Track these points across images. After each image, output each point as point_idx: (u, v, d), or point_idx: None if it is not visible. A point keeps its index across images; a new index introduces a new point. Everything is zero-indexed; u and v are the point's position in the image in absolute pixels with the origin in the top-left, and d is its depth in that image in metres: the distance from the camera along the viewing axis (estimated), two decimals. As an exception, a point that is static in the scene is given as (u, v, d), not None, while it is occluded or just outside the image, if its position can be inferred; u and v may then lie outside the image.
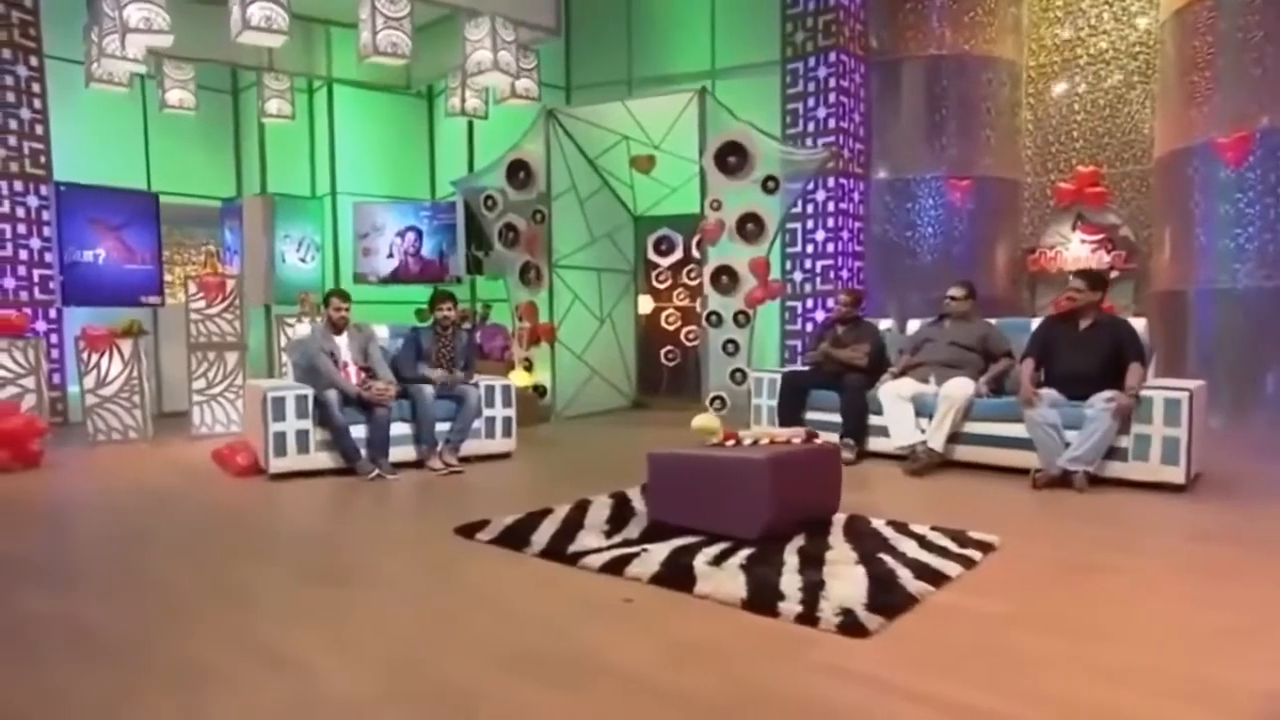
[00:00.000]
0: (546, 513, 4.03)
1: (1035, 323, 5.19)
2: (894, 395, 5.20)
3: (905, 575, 2.96)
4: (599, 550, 3.40)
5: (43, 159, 7.69)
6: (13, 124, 7.54)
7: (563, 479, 5.20)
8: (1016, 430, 4.80)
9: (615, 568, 3.18)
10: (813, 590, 2.83)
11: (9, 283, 7.48)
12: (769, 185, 6.83)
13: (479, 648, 2.46)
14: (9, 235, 7.49)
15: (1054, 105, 8.70)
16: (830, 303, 7.76)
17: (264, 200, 8.87)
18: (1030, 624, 2.59)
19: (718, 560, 3.22)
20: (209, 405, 7.05)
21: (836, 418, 5.50)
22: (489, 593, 3.01)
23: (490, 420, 5.75)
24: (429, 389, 5.44)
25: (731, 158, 6.91)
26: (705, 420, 3.67)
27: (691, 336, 8.58)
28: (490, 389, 5.78)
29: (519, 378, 7.66)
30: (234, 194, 9.41)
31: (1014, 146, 8.35)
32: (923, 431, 5.09)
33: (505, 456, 5.78)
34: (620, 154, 8.10)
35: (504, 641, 2.52)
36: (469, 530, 3.79)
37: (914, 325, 5.87)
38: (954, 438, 5.03)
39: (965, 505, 4.29)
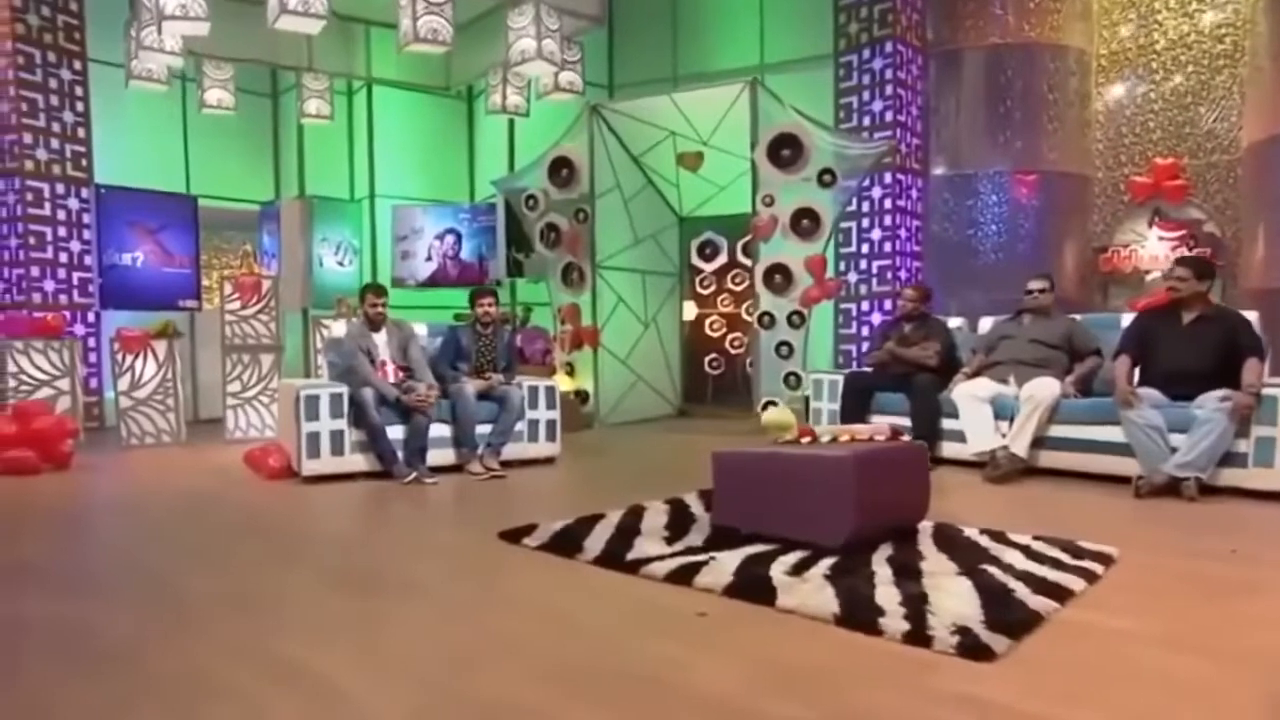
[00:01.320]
0: (598, 518, 3.69)
1: (1125, 318, 4.74)
2: (970, 397, 4.77)
3: (1021, 589, 2.55)
4: (661, 558, 3.03)
5: (84, 162, 7.64)
6: (56, 126, 7.48)
7: (611, 485, 4.89)
8: (1109, 434, 4.36)
9: (682, 577, 2.81)
10: (915, 605, 2.43)
11: (49, 285, 7.39)
12: (825, 179, 6.47)
13: (531, 665, 2.11)
14: (50, 238, 7.42)
15: (1128, 94, 8.20)
16: (888, 305, 7.35)
17: (302, 203, 8.72)
18: (1177, 646, 2.17)
19: (797, 570, 2.83)
20: (243, 409, 6.86)
21: (904, 422, 5.07)
22: (540, 603, 2.65)
23: (533, 423, 5.46)
24: (469, 389, 5.16)
25: (785, 151, 6.56)
26: (778, 415, 3.31)
27: (736, 344, 8.35)
28: (533, 390, 5.48)
29: (561, 383, 7.33)
30: (272, 197, 9.31)
31: (1083, 139, 7.87)
32: (1003, 436, 4.65)
33: (548, 462, 5.49)
34: (666, 151, 7.80)
35: (560, 658, 2.16)
36: (514, 535, 3.45)
37: (986, 323, 5.44)
38: (1038, 442, 4.59)
39: (1062, 515, 3.84)
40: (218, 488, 4.81)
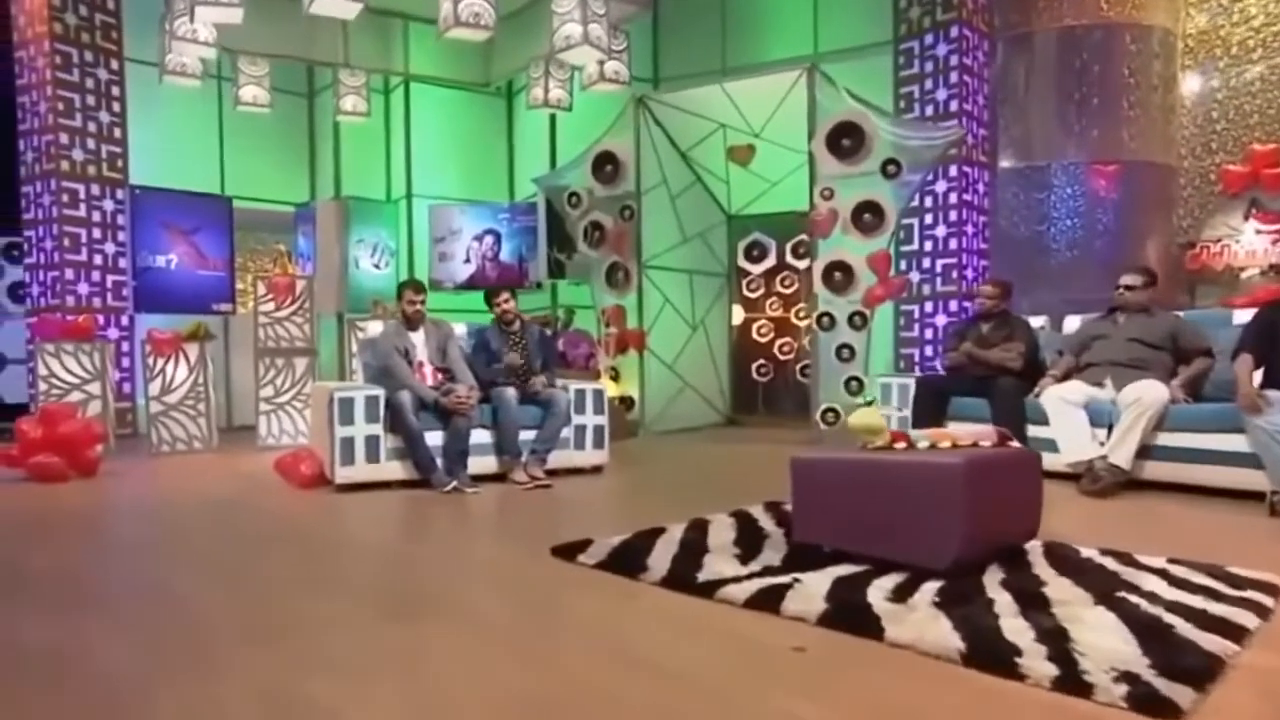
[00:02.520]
0: (659, 532, 3.36)
1: (1240, 315, 4.29)
2: (1062, 401, 4.34)
3: (1181, 625, 2.15)
4: (738, 579, 2.68)
5: (120, 163, 7.54)
6: (92, 127, 7.38)
7: (665, 496, 4.57)
8: (1230, 443, 3.90)
9: (766, 603, 2.45)
10: (1056, 642, 2.04)
11: (83, 288, 7.27)
12: (889, 170, 6.09)
13: (605, 709, 1.75)
14: (84, 240, 7.30)
15: (1219, 76, 7.65)
16: (953, 305, 6.94)
17: (338, 204, 8.56)
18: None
19: (899, 596, 2.46)
20: (276, 414, 6.65)
21: (981, 427, 4.64)
22: (611, 635, 2.31)
23: (579, 429, 5.16)
24: (511, 392, 4.88)
25: (845, 141, 6.22)
26: (867, 417, 2.91)
27: (785, 349, 8.08)
28: (580, 394, 5.18)
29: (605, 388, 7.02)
30: (308, 198, 9.17)
31: (1168, 126, 7.37)
32: (1101, 444, 4.21)
33: (596, 471, 5.20)
34: (716, 145, 7.51)
35: (640, 701, 1.80)
36: (569, 552, 3.12)
37: (1073, 321, 5.01)
38: (1142, 452, 4.14)
39: (1188, 535, 3.42)
40: (246, 496, 4.59)
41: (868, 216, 6.19)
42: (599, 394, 5.28)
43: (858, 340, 6.35)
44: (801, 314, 7.88)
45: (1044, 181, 7.16)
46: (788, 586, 2.57)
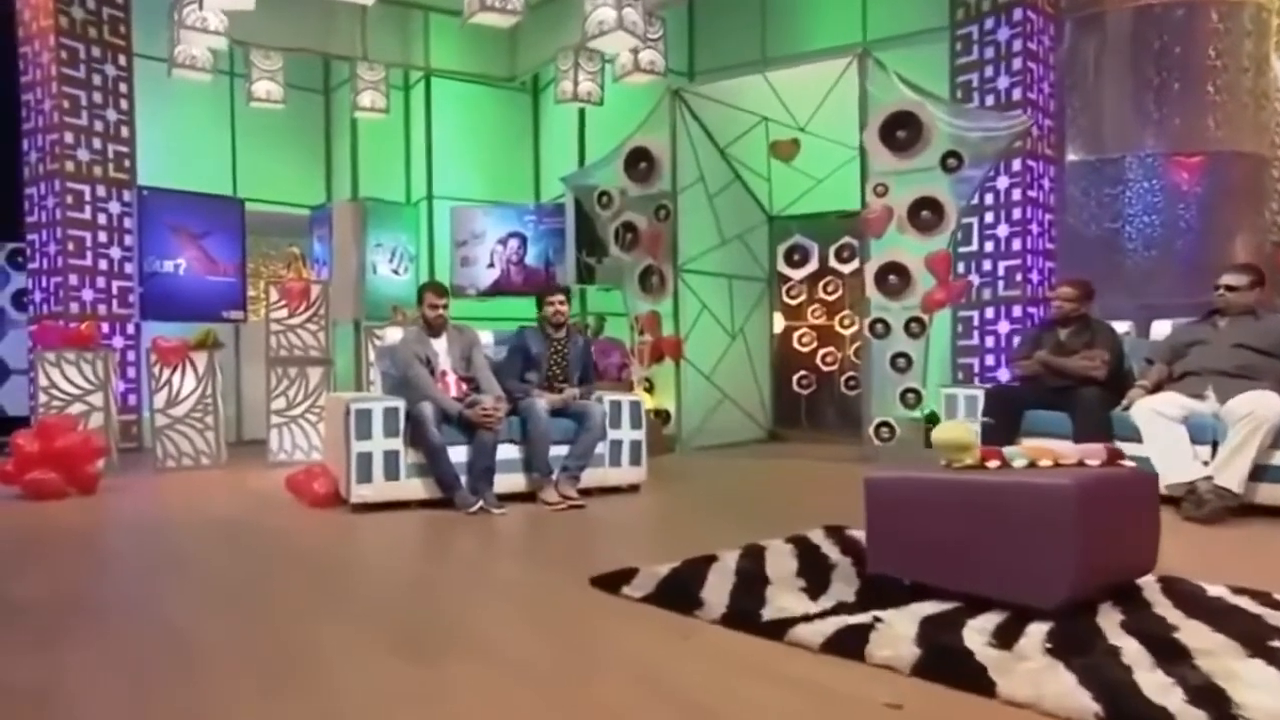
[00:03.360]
0: (710, 561, 3.12)
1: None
2: (1158, 416, 4.03)
3: (1362, 681, 1.85)
4: (809, 618, 2.42)
5: (127, 163, 7.50)
6: (98, 125, 7.34)
7: (712, 518, 4.35)
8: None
9: (848, 647, 2.19)
10: (1213, 702, 1.76)
11: (87, 294, 7.21)
12: (949, 164, 5.82)
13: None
14: (89, 244, 7.25)
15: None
16: (1015, 311, 6.65)
17: (355, 206, 8.44)
18: None
19: (1003, 640, 2.18)
20: (289, 428, 6.53)
21: (1064, 445, 4.33)
22: (657, 677, 2.06)
23: (615, 444, 4.95)
24: (542, 404, 4.69)
25: (901, 132, 5.96)
26: (954, 432, 2.64)
27: (829, 360, 7.90)
28: (615, 406, 4.98)
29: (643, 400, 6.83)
30: (323, 200, 9.08)
31: (1259, 113, 6.98)
32: (1204, 464, 3.90)
33: (633, 490, 5.00)
34: (757, 140, 7.31)
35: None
36: (611, 582, 2.89)
37: (1162, 326, 4.71)
38: (1256, 472, 3.81)
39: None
40: (255, 516, 4.45)
41: (926, 214, 5.92)
42: (636, 406, 5.09)
43: (915, 349, 6.08)
44: (846, 321, 7.75)
45: (1117, 175, 6.83)
46: (869, 627, 2.31)
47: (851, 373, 7.66)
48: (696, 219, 7.25)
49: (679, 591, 2.74)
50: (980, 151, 5.83)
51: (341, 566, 3.39)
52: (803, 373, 8.00)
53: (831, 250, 7.55)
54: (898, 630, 2.29)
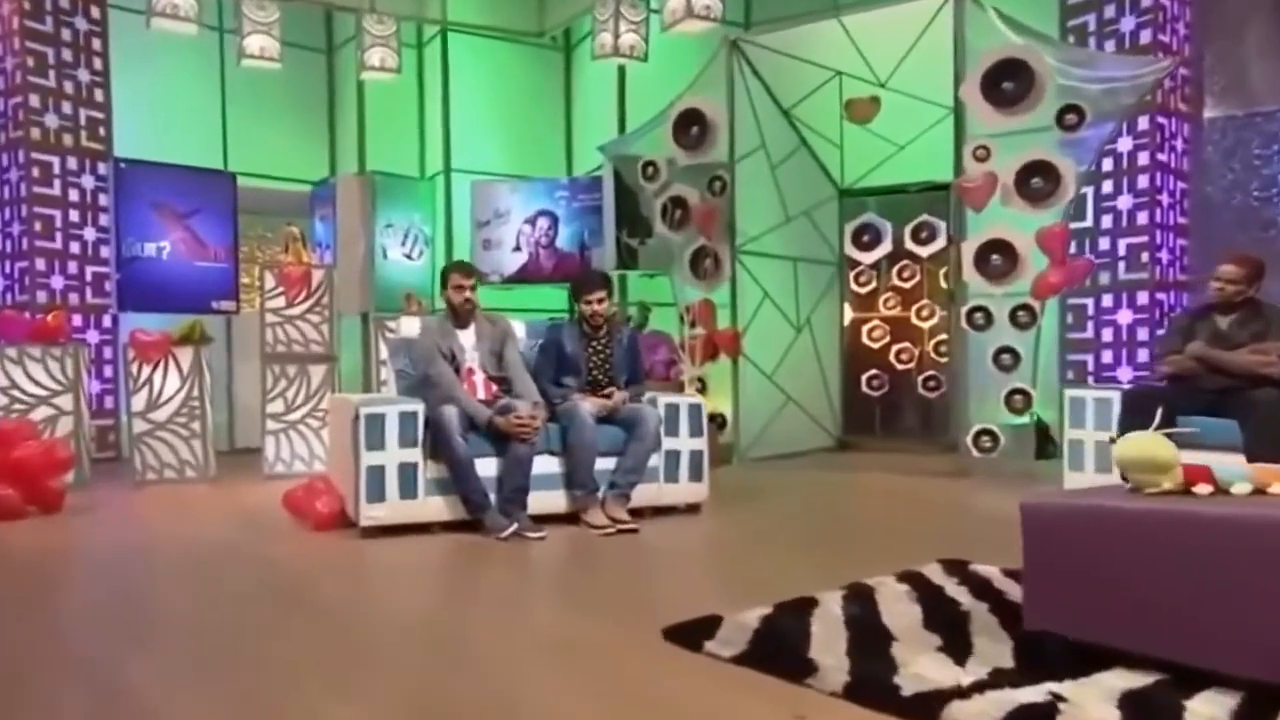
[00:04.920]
0: (809, 606, 2.80)
1: None
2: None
3: None
4: (963, 693, 2.05)
5: (102, 131, 7.43)
6: (68, 87, 7.24)
7: (793, 547, 4.06)
8: None
9: (1034, 741, 1.79)
10: None
11: (56, 282, 7.13)
12: (1067, 120, 5.47)
13: None
14: (59, 224, 7.18)
15: None
16: (1140, 298, 6.25)
17: (362, 181, 8.27)
18: None
19: (1245, 731, 1.77)
20: (287, 435, 6.45)
21: (1227, 457, 3.91)
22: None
23: (672, 456, 4.68)
24: (587, 406, 4.44)
25: (1007, 84, 5.63)
26: (1149, 446, 2.23)
27: (904, 357, 7.76)
28: (672, 410, 4.70)
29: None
30: (326, 175, 8.91)
31: None
32: None
33: (692, 510, 4.75)
34: (828, 99, 7.16)
35: None
36: (690, 635, 2.54)
37: (1344, 313, 4.24)
38: None
39: None
40: (246, 542, 4.25)
41: (1037, 181, 5.58)
42: (696, 410, 4.81)
43: (1023, 342, 5.75)
44: (925, 312, 7.59)
45: (1273, 133, 6.37)
46: (1050, 710, 1.93)
47: (931, 372, 7.56)
48: (757, 192, 7.11)
49: (780, 649, 2.41)
50: (1106, 105, 5.50)
51: (350, 613, 3.06)
52: (873, 372, 7.80)
53: (907, 230, 7.35)
54: (1091, 714, 1.90)
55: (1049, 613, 2.35)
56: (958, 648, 2.39)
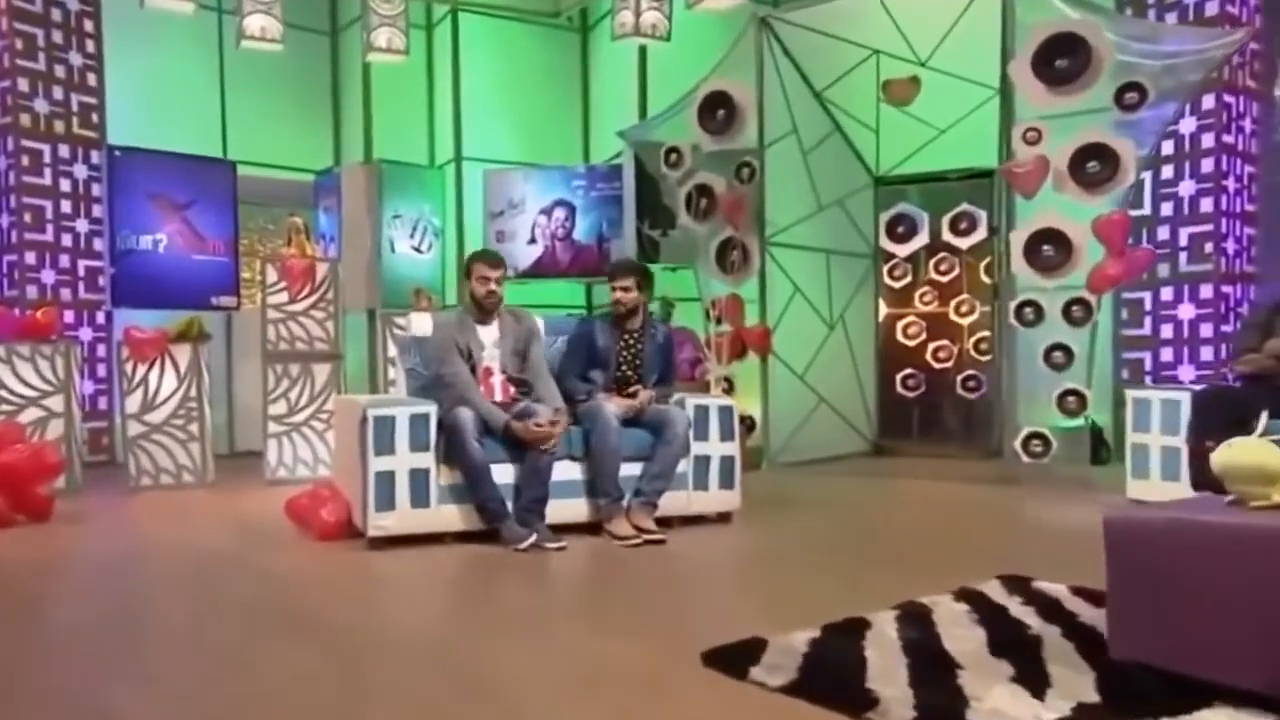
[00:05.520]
0: (861, 627, 2.69)
1: None
2: None
3: None
4: (1053, 732, 1.88)
5: (95, 117, 7.45)
6: (59, 71, 7.26)
7: (836, 561, 3.92)
8: None
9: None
10: None
11: (47, 277, 7.16)
12: (1128, 99, 5.30)
13: None
14: (49, 215, 7.21)
15: None
16: (1204, 292, 6.14)
17: (368, 170, 8.30)
18: None
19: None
20: (289, 438, 6.40)
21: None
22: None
23: (701, 461, 4.58)
24: (611, 409, 4.34)
25: (1061, 60, 5.48)
26: (1256, 453, 2.07)
27: (942, 355, 7.70)
28: (701, 412, 4.60)
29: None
30: (331, 163, 8.96)
31: None
32: None
33: (723, 519, 4.67)
34: (864, 80, 7.10)
35: None
36: (734, 660, 2.41)
37: None
38: None
39: None
40: (246, 553, 4.18)
41: (1093, 165, 5.42)
42: (727, 413, 4.71)
43: (1078, 339, 5.59)
44: (964, 308, 7.49)
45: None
46: (1154, 751, 1.76)
47: (971, 371, 7.52)
48: (788, 180, 7.03)
49: (834, 677, 2.28)
50: (1168, 83, 5.32)
51: (356, 634, 2.93)
52: (908, 371, 7.75)
53: (945, 220, 7.28)
54: (1203, 757, 1.74)
55: (1139, 641, 2.20)
56: (1033, 678, 2.24)
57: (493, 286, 4.37)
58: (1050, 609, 2.84)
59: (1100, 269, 5.44)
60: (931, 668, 2.32)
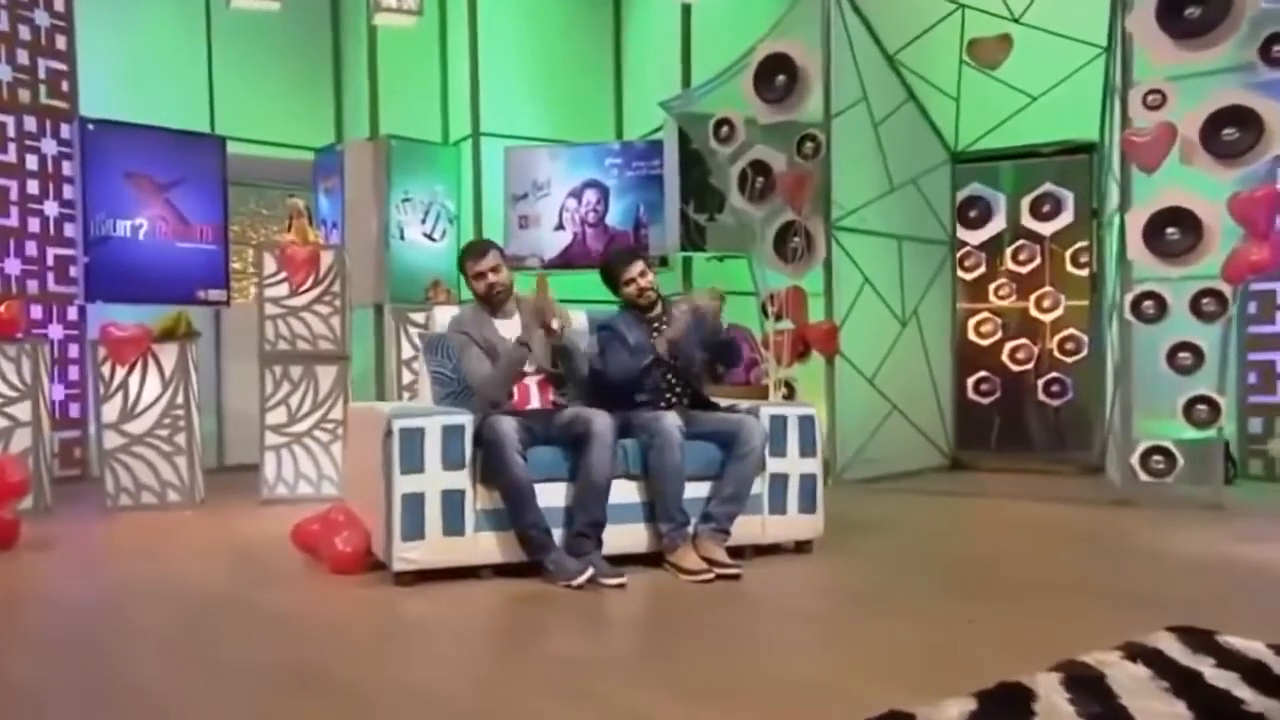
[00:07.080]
0: (1024, 698, 2.37)
1: None
2: None
3: None
4: None
5: (65, 85, 7.40)
6: (24, 32, 7.29)
7: (955, 602, 3.63)
8: None
9: None
10: None
11: (11, 266, 7.19)
12: (1276, 53, 5.08)
13: None
14: (14, 196, 7.26)
15: None
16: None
17: (375, 146, 8.26)
18: None
19: None
20: (289, 451, 6.31)
21: None
22: None
23: (778, 481, 4.34)
24: (673, 419, 4.09)
25: (1192, 9, 5.24)
26: None
27: (1022, 357, 7.74)
28: (778, 423, 4.35)
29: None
30: (333, 140, 8.93)
31: None
32: None
33: (803, 549, 4.42)
34: (945, 39, 6.97)
35: None
36: None
37: None
38: None
39: None
40: (242, 591, 3.96)
41: (1230, 132, 5.18)
42: (808, 423, 4.45)
43: (1208, 337, 5.37)
44: (1047, 303, 7.55)
45: None
46: None
47: (1055, 374, 7.57)
48: (857, 156, 6.94)
49: None
50: None
51: (376, 693, 2.65)
52: (982, 374, 7.75)
53: (1025, 203, 7.32)
54: None
55: None
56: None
57: (490, 278, 4.25)
58: (1256, 674, 2.50)
59: (1241, 254, 5.18)
60: (1139, 757, 1.99)
